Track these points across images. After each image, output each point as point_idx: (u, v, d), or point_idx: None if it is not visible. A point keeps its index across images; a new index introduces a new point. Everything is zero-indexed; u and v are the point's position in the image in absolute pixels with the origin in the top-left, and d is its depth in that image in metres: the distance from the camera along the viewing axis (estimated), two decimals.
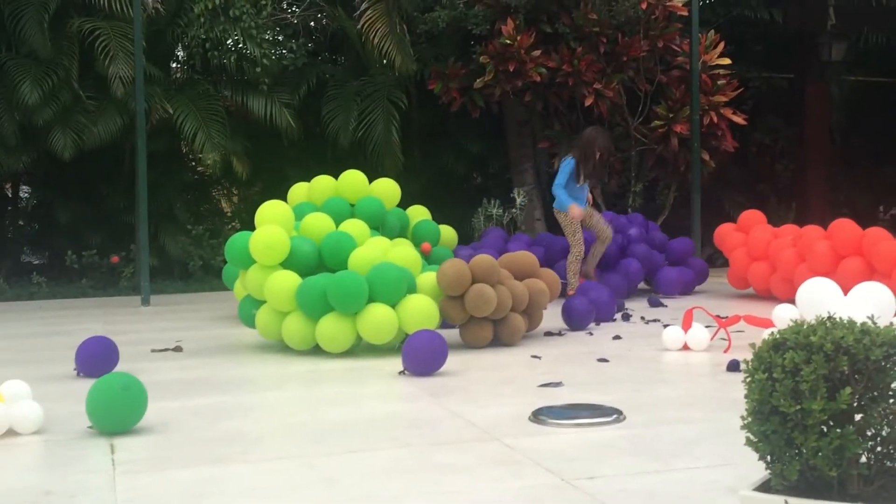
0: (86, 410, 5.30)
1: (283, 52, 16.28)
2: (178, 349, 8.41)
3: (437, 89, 15.25)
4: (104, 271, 15.20)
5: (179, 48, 16.31)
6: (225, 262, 10.42)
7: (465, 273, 7.96)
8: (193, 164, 17.86)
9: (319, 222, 8.81)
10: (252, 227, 8.75)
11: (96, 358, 7.03)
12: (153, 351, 8.31)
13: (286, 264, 8.20)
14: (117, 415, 5.26)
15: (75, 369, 7.14)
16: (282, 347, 8.19)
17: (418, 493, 4.04)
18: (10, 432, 5.28)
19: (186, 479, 4.33)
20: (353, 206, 9.99)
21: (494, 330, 8.13)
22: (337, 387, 6.70)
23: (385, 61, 15.50)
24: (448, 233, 10.95)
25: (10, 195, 17.32)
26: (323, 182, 10.33)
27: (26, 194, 17.52)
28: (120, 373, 5.53)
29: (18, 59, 14.31)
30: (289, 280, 7.95)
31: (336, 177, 10.32)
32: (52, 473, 4.59)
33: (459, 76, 15.11)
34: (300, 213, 9.20)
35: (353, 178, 10.30)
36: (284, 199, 9.73)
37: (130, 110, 14.03)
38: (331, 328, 7.68)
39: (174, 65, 17.24)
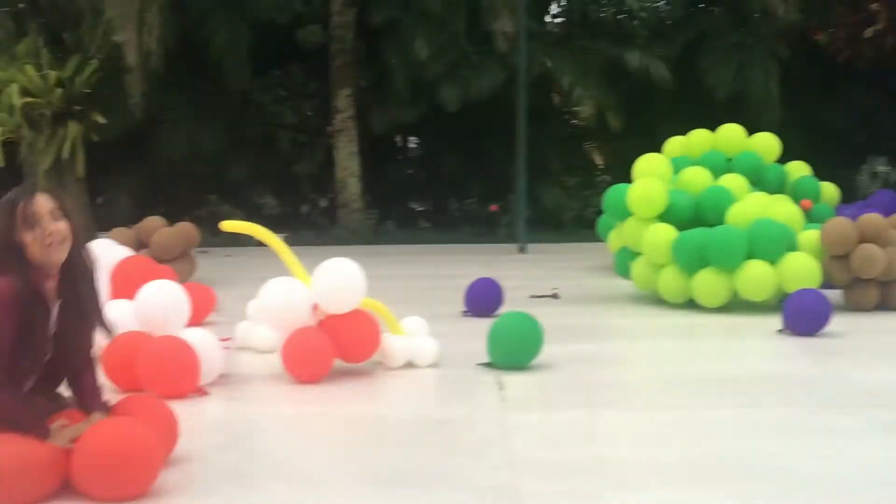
0: (489, 342, 5.64)
1: (661, 4, 16.15)
2: (555, 296, 8.72)
3: (821, 39, 14.46)
4: (483, 219, 15.97)
5: (559, 3, 16.66)
6: (598, 213, 10.59)
7: (851, 232, 7.60)
8: (567, 117, 18.21)
9: (697, 176, 8.74)
10: (624, 180, 8.85)
11: (483, 299, 7.47)
12: (532, 297, 8.66)
13: (663, 217, 8.22)
14: (522, 350, 5.58)
15: (464, 309, 7.63)
16: (656, 300, 8.25)
17: (802, 451, 3.97)
18: (409, 364, 5.75)
19: (571, 420, 4.52)
20: (730, 160, 9.79)
21: (881, 293, 7.70)
22: (714, 341, 6.67)
23: (766, 11, 14.92)
24: (829, 190, 10.44)
25: (399, 146, 18.61)
26: (700, 136, 10.19)
27: (414, 145, 18.72)
28: (521, 312, 5.79)
29: (411, 17, 15.25)
30: (666, 233, 7.97)
31: (711, 130, 10.15)
32: (448, 404, 4.97)
33: (847, 25, 14.22)
34: (677, 166, 9.16)
35: (731, 132, 10.07)
36: (657, 152, 9.72)
37: (513, 64, 14.53)
38: (707, 283, 7.63)
39: (554, 20, 17.61)
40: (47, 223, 3.39)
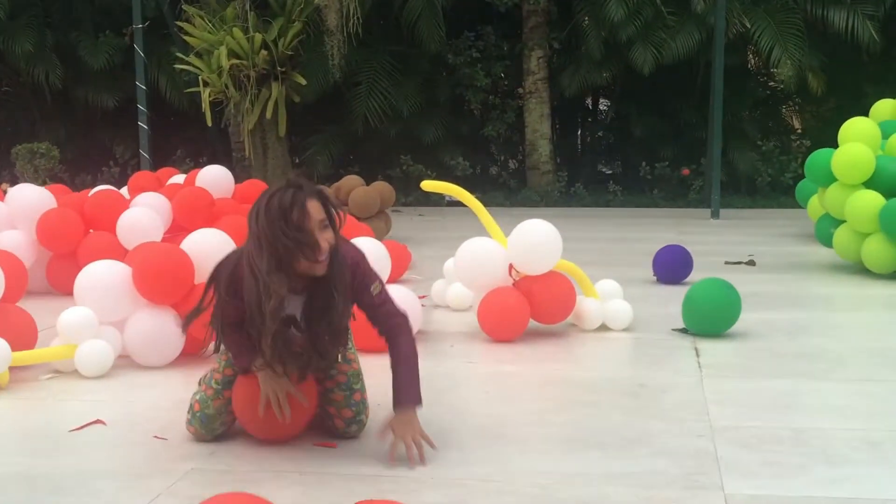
0: (685, 307, 5.59)
1: None
2: (751, 263, 8.51)
3: None
4: (674, 183, 15.69)
5: None
6: (795, 179, 10.26)
7: None
8: (765, 79, 17.60)
9: None
10: (824, 145, 8.50)
11: (672, 265, 7.39)
12: (727, 263, 8.49)
13: (870, 184, 7.88)
14: (719, 317, 5.50)
15: (654, 274, 7.57)
16: (859, 269, 7.94)
17: None
18: (603, 327, 5.77)
19: (771, 389, 4.44)
20: None
21: None
22: None
23: None
24: None
25: (590, 107, 18.44)
26: None
27: (605, 107, 18.52)
28: (719, 279, 5.70)
29: None
30: (872, 200, 7.64)
31: None
32: (644, 368, 4.95)
33: None
34: (885, 131, 8.74)
35: None
36: (861, 115, 9.28)
37: (708, 25, 14.16)
38: None
39: None
40: (318, 237, 3.28)
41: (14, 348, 4.55)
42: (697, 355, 5.13)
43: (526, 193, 15.60)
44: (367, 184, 10.33)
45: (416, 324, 5.43)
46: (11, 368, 4.58)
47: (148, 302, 4.92)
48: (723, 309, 5.48)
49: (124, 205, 7.30)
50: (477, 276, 5.65)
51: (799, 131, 17.72)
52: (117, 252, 6.48)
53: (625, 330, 5.74)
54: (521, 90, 16.65)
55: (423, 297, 6.63)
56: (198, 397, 3.76)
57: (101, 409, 4.15)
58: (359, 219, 9.10)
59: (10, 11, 16.26)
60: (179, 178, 8.88)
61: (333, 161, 16.60)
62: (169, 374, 4.83)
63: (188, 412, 3.76)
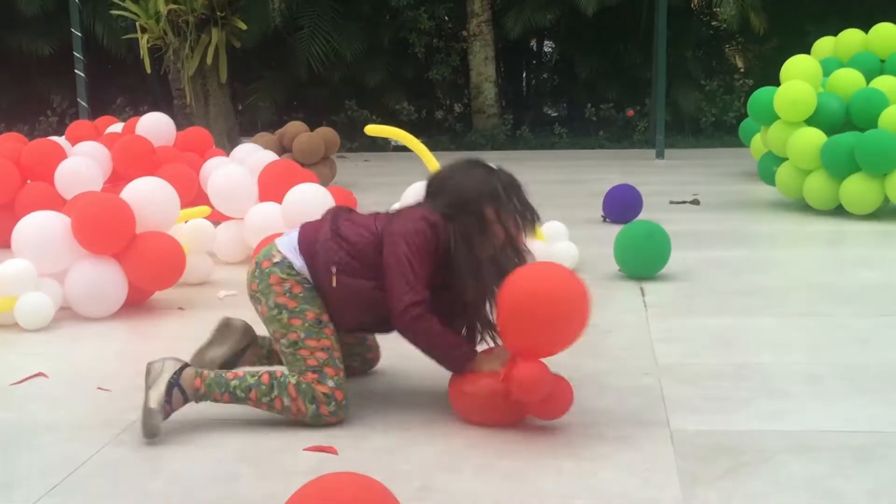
0: (614, 255, 5.65)
1: None
2: (695, 202, 8.58)
3: None
4: (619, 124, 15.73)
5: None
6: (738, 118, 10.32)
7: None
8: (708, 18, 17.64)
9: (848, 78, 8.38)
10: (767, 84, 8.54)
11: (622, 205, 7.42)
12: (671, 203, 8.55)
13: (811, 121, 7.95)
14: (643, 260, 5.56)
15: (602, 215, 7.60)
16: (802, 206, 8.04)
17: None
18: None
19: (715, 326, 4.50)
20: (883, 61, 9.34)
21: None
22: (863, 249, 6.49)
23: None
24: None
25: (534, 50, 18.36)
26: (851, 36, 9.71)
27: (549, 49, 18.45)
28: (644, 221, 5.77)
29: None
30: (814, 137, 7.72)
31: (863, 31, 9.68)
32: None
33: None
34: (826, 68, 8.80)
35: (885, 32, 9.54)
36: (803, 53, 9.34)
37: None
38: (857, 188, 7.39)
39: None
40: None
41: None
42: (643, 294, 5.17)
43: (472, 137, 15.55)
44: (312, 130, 10.22)
45: None
46: None
47: (88, 252, 4.84)
48: (650, 252, 5.52)
49: (62, 154, 7.15)
50: None
51: (742, 70, 17.82)
52: (56, 203, 6.36)
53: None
54: (465, 33, 16.53)
55: None
56: (332, 384, 3.23)
57: (42, 363, 4.09)
58: (303, 165, 9.01)
59: None
60: (118, 127, 8.70)
61: (277, 107, 16.41)
62: (111, 325, 4.77)
63: (325, 405, 3.20)
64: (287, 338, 3.27)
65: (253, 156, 7.21)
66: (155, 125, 8.22)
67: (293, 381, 3.23)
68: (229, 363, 3.54)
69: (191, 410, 3.32)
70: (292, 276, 3.32)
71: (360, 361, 3.80)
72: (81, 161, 6.87)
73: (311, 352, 3.25)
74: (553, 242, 5.82)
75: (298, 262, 3.34)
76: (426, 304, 3.22)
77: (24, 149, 7.29)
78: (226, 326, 3.59)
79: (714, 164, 11.86)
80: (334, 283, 3.28)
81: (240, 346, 3.58)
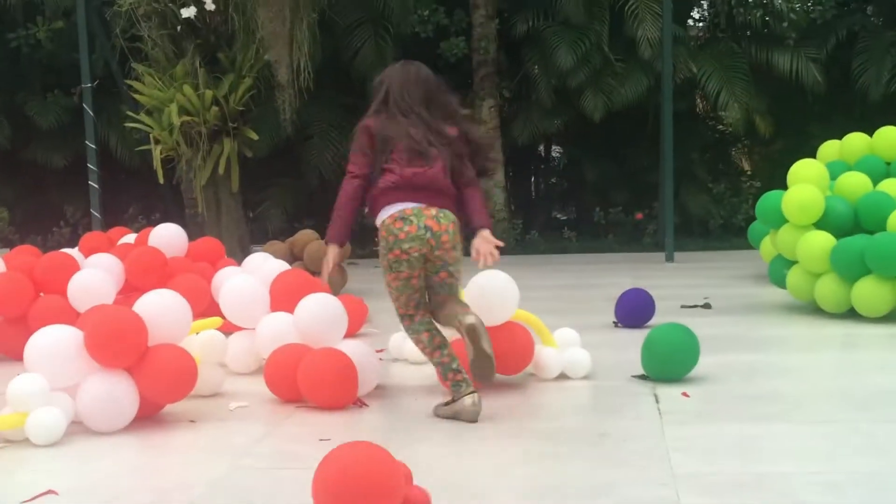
0: (644, 354, 5.61)
1: (810, 5, 15.68)
2: (707, 306, 8.56)
3: None
4: (629, 227, 15.82)
5: (702, 7, 16.39)
6: (747, 220, 10.36)
7: None
8: (713, 122, 17.89)
9: (855, 181, 8.45)
10: (774, 186, 8.61)
11: (635, 309, 7.41)
12: (683, 307, 8.53)
13: (820, 224, 7.99)
14: (678, 362, 5.53)
15: (614, 320, 7.58)
16: (813, 309, 8.02)
17: None
18: (562, 376, 5.75)
19: (731, 434, 4.44)
20: (888, 164, 9.43)
21: None
22: (878, 352, 6.45)
23: None
24: None
25: (542, 154, 18.58)
26: (856, 140, 9.82)
27: (557, 154, 18.68)
28: (678, 324, 5.72)
29: (555, 26, 15.25)
30: (823, 240, 7.74)
31: (867, 133, 9.80)
32: (604, 417, 4.93)
33: None
34: (832, 171, 8.88)
35: (890, 136, 9.64)
36: (809, 156, 9.43)
37: (656, 71, 14.37)
38: (868, 291, 7.37)
39: (697, 24, 17.34)
40: None
41: None
42: (657, 401, 5.13)
43: None
44: (322, 237, 10.27)
45: (373, 379, 5.41)
46: None
47: (100, 366, 4.83)
48: (682, 354, 5.49)
49: (75, 267, 7.20)
50: None
51: (749, 173, 17.99)
52: (69, 315, 6.38)
53: (584, 378, 5.73)
54: None
55: (382, 350, 6.58)
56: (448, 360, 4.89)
57: (53, 479, 4.05)
58: (314, 273, 9.04)
59: None
60: (131, 238, 8.76)
61: (288, 215, 16.55)
62: (123, 438, 4.73)
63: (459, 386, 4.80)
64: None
65: (264, 265, 7.24)
66: (167, 236, 8.28)
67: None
68: None
69: None
70: None
71: None
72: (94, 274, 6.91)
73: None
74: (565, 349, 5.80)
75: None
76: (360, 178, 4.95)
77: (38, 262, 7.34)
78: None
79: (724, 267, 11.88)
80: None
81: None
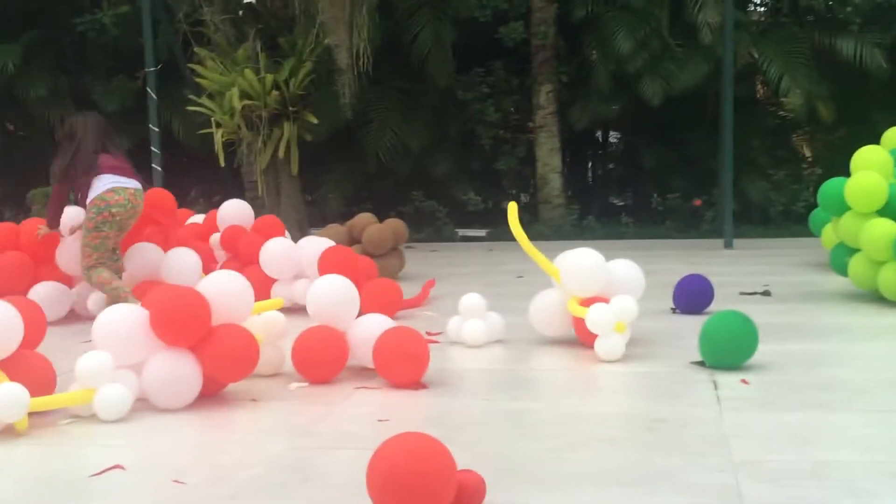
0: (702, 341, 5.58)
1: None
2: (766, 293, 8.49)
3: None
4: (686, 214, 15.68)
5: None
6: (807, 208, 10.23)
7: None
8: (774, 108, 17.64)
9: None
10: (835, 173, 8.49)
11: (693, 296, 7.38)
12: (741, 294, 8.46)
13: (883, 212, 7.86)
14: (736, 350, 5.50)
15: (672, 307, 7.55)
16: (876, 297, 7.91)
17: None
18: (622, 359, 5.75)
19: (790, 422, 4.42)
20: None
21: None
22: None
23: None
24: None
25: (600, 140, 18.49)
26: None
27: (615, 139, 18.57)
28: (737, 311, 5.69)
29: (614, 10, 15.15)
30: (886, 228, 7.63)
31: None
32: (661, 403, 4.92)
33: None
34: None
35: None
36: (872, 143, 9.28)
37: (717, 56, 14.21)
38: None
39: (759, 8, 17.11)
40: None
41: (33, 394, 4.56)
42: (716, 388, 5.11)
43: (538, 227, 15.59)
44: (380, 221, 10.36)
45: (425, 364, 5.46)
46: (30, 414, 4.59)
47: (165, 345, 4.94)
48: (740, 341, 5.46)
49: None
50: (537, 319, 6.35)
51: (810, 159, 17.72)
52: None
53: (643, 364, 5.73)
54: (531, 124, 16.71)
55: (439, 333, 6.63)
56: None
57: (120, 454, 4.15)
58: (372, 256, 9.13)
59: (24, 57, 16.44)
60: (199, 218, 9.06)
61: (346, 199, 16.66)
62: (186, 416, 4.83)
63: None
64: None
65: (321, 248, 7.39)
66: (235, 211, 8.71)
67: None
68: None
69: None
70: None
71: None
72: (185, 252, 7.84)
73: None
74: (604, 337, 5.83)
75: None
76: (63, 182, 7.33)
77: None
78: None
79: (784, 255, 11.73)
80: None
81: None
